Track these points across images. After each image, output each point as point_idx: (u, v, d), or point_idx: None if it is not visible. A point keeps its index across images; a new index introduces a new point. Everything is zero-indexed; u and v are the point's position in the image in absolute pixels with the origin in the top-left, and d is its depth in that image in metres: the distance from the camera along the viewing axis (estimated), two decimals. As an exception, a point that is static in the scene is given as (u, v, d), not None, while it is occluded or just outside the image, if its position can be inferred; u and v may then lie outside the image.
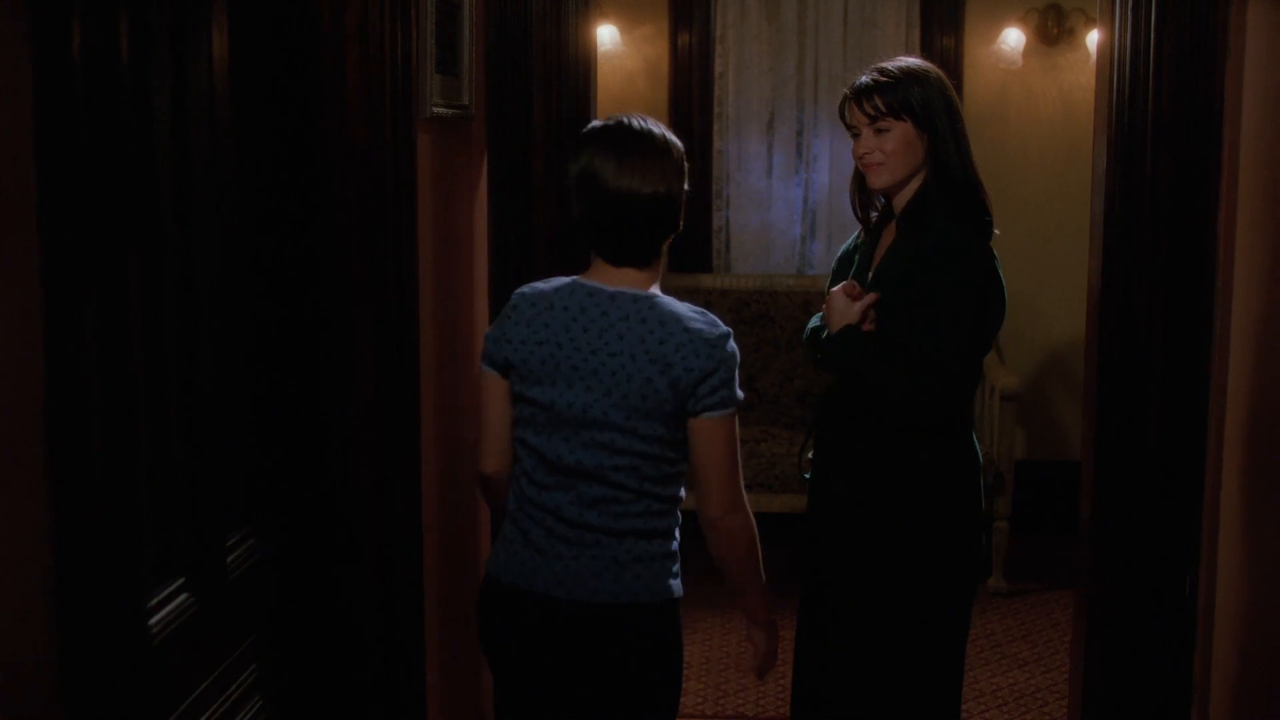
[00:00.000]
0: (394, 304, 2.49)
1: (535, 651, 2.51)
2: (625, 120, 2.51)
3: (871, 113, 2.93)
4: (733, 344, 2.48)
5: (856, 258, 3.11)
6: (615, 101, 6.04)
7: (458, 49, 3.05)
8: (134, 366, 1.68)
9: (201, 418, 2.02)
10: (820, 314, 3.11)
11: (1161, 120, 3.18)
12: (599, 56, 4.84)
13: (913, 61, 3.00)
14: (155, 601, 1.85)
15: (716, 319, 2.49)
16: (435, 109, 2.86)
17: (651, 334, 2.43)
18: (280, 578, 2.35)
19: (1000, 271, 2.94)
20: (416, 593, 2.66)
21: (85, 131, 1.48)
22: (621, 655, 2.48)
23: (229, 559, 2.14)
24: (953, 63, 6.14)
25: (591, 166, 2.45)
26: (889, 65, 2.98)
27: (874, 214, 3.11)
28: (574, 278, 2.54)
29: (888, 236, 3.03)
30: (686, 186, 2.52)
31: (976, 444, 3.03)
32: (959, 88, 6.06)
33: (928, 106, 2.91)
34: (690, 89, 6.32)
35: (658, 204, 2.44)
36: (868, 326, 2.89)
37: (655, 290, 2.51)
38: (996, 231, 2.99)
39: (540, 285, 2.57)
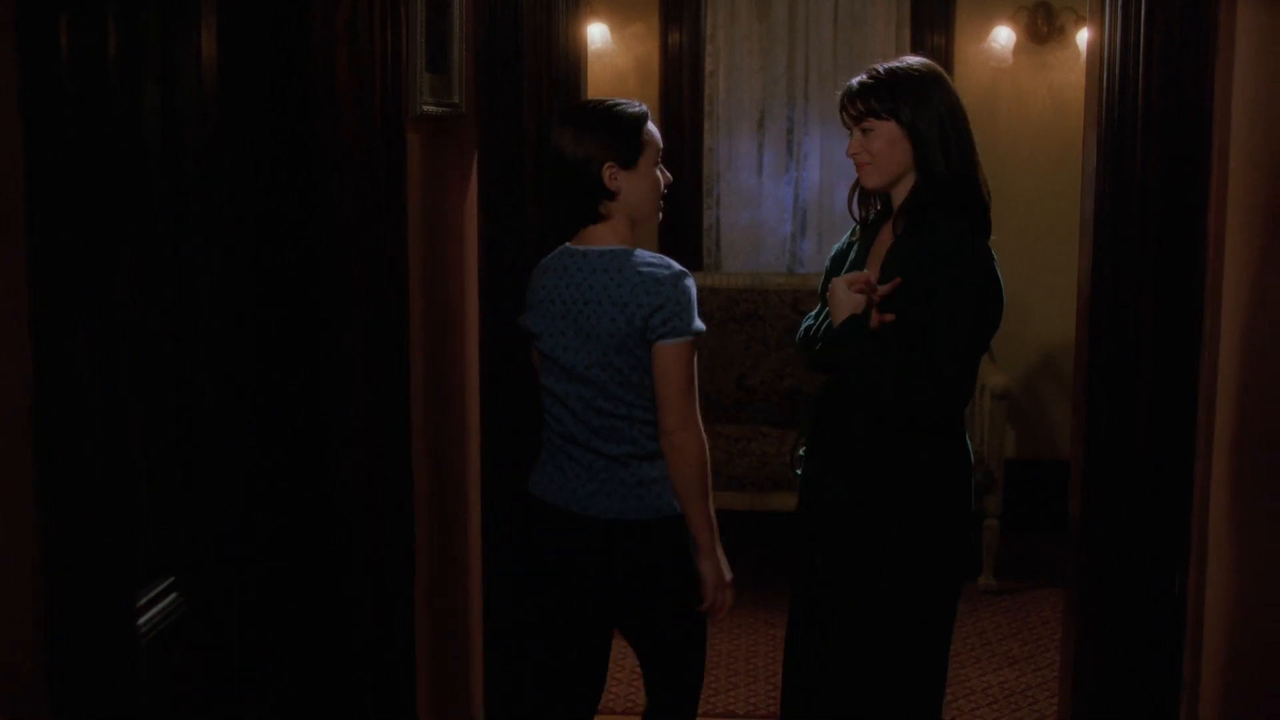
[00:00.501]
0: (385, 304, 2.49)
1: (565, 554, 2.94)
2: (592, 101, 3.01)
3: (855, 114, 2.97)
4: (686, 282, 2.84)
5: (851, 255, 3.11)
6: (606, 100, 6.04)
7: (448, 47, 3.04)
8: (124, 365, 1.67)
9: (193, 417, 2.02)
10: (812, 313, 3.11)
11: (1151, 119, 3.19)
12: (589, 55, 4.84)
13: (911, 61, 3.00)
14: (145, 600, 1.85)
15: (673, 263, 2.87)
16: (425, 107, 2.86)
17: (612, 281, 2.84)
18: (272, 577, 2.35)
19: (999, 271, 2.94)
20: (408, 591, 2.66)
21: (74, 132, 1.47)
22: (634, 565, 2.89)
23: (218, 558, 2.14)
24: (943, 61, 6.14)
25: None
26: (881, 65, 2.99)
27: (873, 212, 3.11)
28: (562, 246, 2.97)
29: (885, 234, 3.03)
30: (629, 156, 2.88)
31: (969, 443, 3.04)
32: (949, 86, 6.08)
33: (913, 107, 2.92)
34: (681, 87, 6.32)
35: (577, 166, 2.85)
36: (888, 317, 2.88)
37: (625, 245, 2.90)
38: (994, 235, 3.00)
39: (547, 257, 3.01)
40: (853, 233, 3.17)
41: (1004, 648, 4.98)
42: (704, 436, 2.88)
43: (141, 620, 1.81)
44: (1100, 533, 3.37)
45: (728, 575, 2.93)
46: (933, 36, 6.22)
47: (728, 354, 5.92)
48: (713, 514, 2.90)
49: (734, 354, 5.93)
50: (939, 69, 3.01)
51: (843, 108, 3.02)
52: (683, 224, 6.23)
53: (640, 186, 2.91)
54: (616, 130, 2.88)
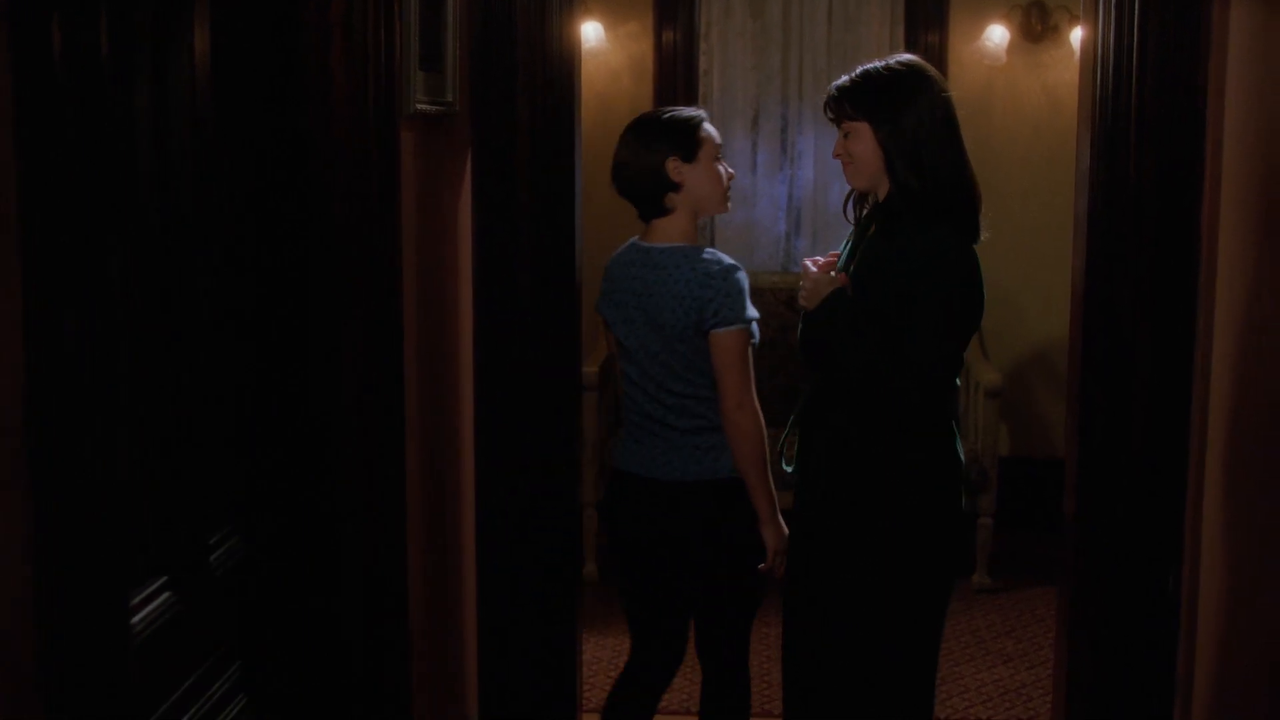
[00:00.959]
0: (380, 303, 2.49)
1: (638, 515, 3.30)
2: (651, 111, 3.40)
3: (831, 116, 3.03)
4: (737, 275, 3.14)
5: (844, 255, 3.14)
6: (599, 98, 6.03)
7: (441, 45, 3.04)
8: (116, 364, 1.67)
9: (186, 414, 2.02)
10: None
11: (1145, 117, 3.19)
12: (583, 53, 4.83)
13: (895, 63, 3.01)
14: (138, 600, 1.84)
15: (725, 257, 3.19)
16: (419, 105, 2.85)
17: (670, 276, 3.18)
18: (264, 576, 2.34)
19: (979, 273, 2.94)
20: (402, 590, 2.66)
21: (67, 130, 1.47)
22: (703, 519, 3.24)
23: (212, 557, 2.13)
24: (937, 60, 6.14)
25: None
26: (864, 67, 3.02)
27: (865, 212, 3.14)
28: (632, 240, 3.36)
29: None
30: (682, 155, 3.22)
31: (959, 442, 3.06)
32: (943, 85, 6.07)
33: (887, 115, 2.94)
34: (675, 86, 6.32)
35: (646, 164, 3.21)
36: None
37: (686, 241, 3.25)
38: (985, 234, 3.01)
39: (620, 249, 3.38)
40: (852, 231, 3.20)
41: (998, 646, 4.99)
42: (760, 414, 3.20)
43: (135, 619, 1.81)
44: (1094, 531, 3.38)
45: (784, 543, 3.24)
46: (927, 35, 6.22)
47: (722, 352, 5.90)
48: (771, 485, 3.23)
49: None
50: (925, 71, 3.00)
51: (825, 108, 3.08)
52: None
53: (702, 178, 3.24)
54: (676, 130, 3.23)
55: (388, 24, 2.47)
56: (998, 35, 6.15)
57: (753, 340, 3.18)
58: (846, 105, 2.99)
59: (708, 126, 3.27)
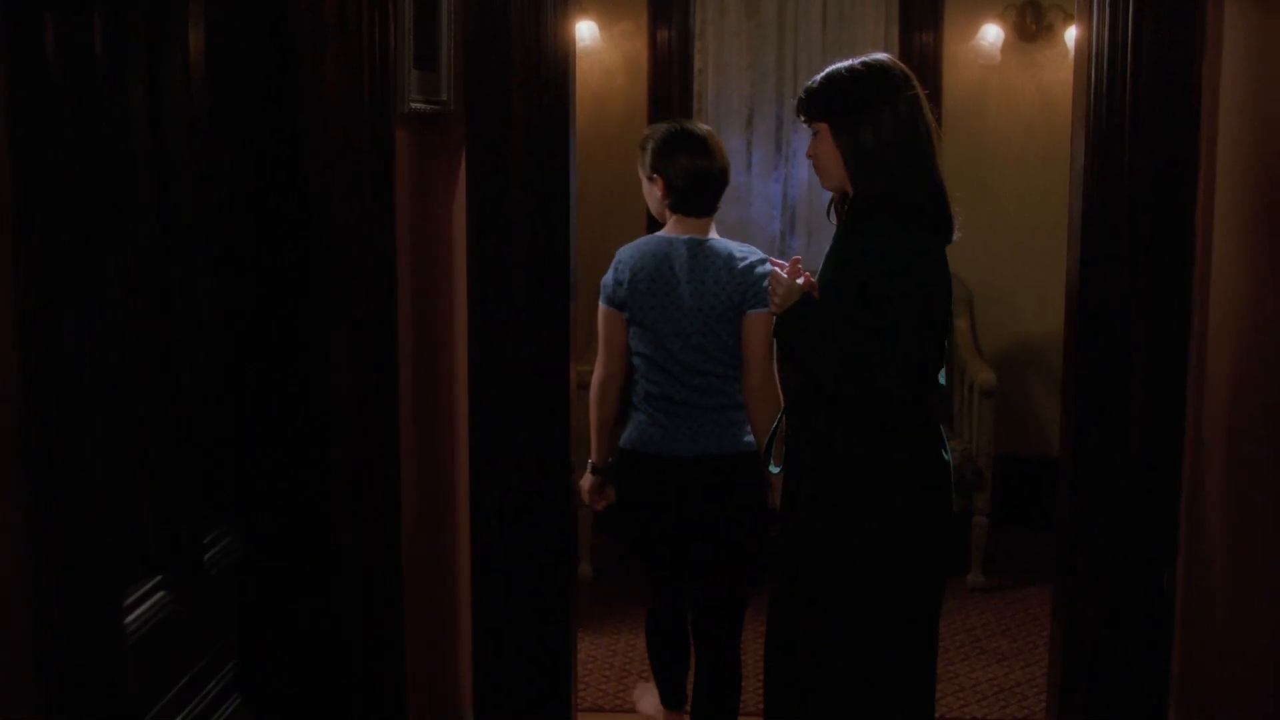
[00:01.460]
0: (374, 302, 2.48)
1: (666, 496, 3.61)
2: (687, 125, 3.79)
3: (803, 117, 3.06)
4: (766, 264, 3.47)
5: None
6: (594, 97, 6.03)
7: (436, 44, 3.04)
8: (111, 363, 1.67)
9: (180, 415, 2.01)
10: None
11: (1139, 116, 3.19)
12: (578, 52, 4.83)
13: (858, 63, 3.01)
14: (132, 599, 1.84)
15: (753, 249, 3.64)
16: (414, 104, 2.85)
17: (713, 264, 3.57)
18: (259, 575, 2.34)
19: (938, 275, 2.93)
20: (396, 588, 2.66)
21: (61, 131, 1.47)
22: (725, 487, 3.59)
23: (207, 556, 2.13)
24: (931, 59, 6.15)
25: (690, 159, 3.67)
26: (830, 68, 3.03)
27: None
28: (660, 233, 3.68)
29: None
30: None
31: (946, 441, 3.06)
32: (938, 84, 6.07)
33: (846, 120, 2.95)
34: (669, 85, 6.31)
35: (723, 172, 3.70)
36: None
37: (712, 234, 3.67)
38: (958, 234, 2.99)
39: (635, 244, 3.68)
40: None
41: (993, 644, 4.99)
42: (779, 386, 3.55)
43: (129, 618, 1.81)
44: (1089, 529, 3.38)
45: None
46: (921, 34, 6.22)
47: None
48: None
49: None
50: (890, 73, 2.98)
51: (796, 109, 3.13)
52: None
53: None
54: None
55: (382, 22, 2.47)
56: (992, 34, 6.15)
57: None
58: (810, 107, 3.01)
59: None
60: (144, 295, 1.88)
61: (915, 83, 2.98)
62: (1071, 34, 5.77)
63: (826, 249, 3.20)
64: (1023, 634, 5.09)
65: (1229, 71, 3.06)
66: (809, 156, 3.09)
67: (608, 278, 3.68)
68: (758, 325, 3.53)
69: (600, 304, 3.68)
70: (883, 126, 2.92)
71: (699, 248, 3.60)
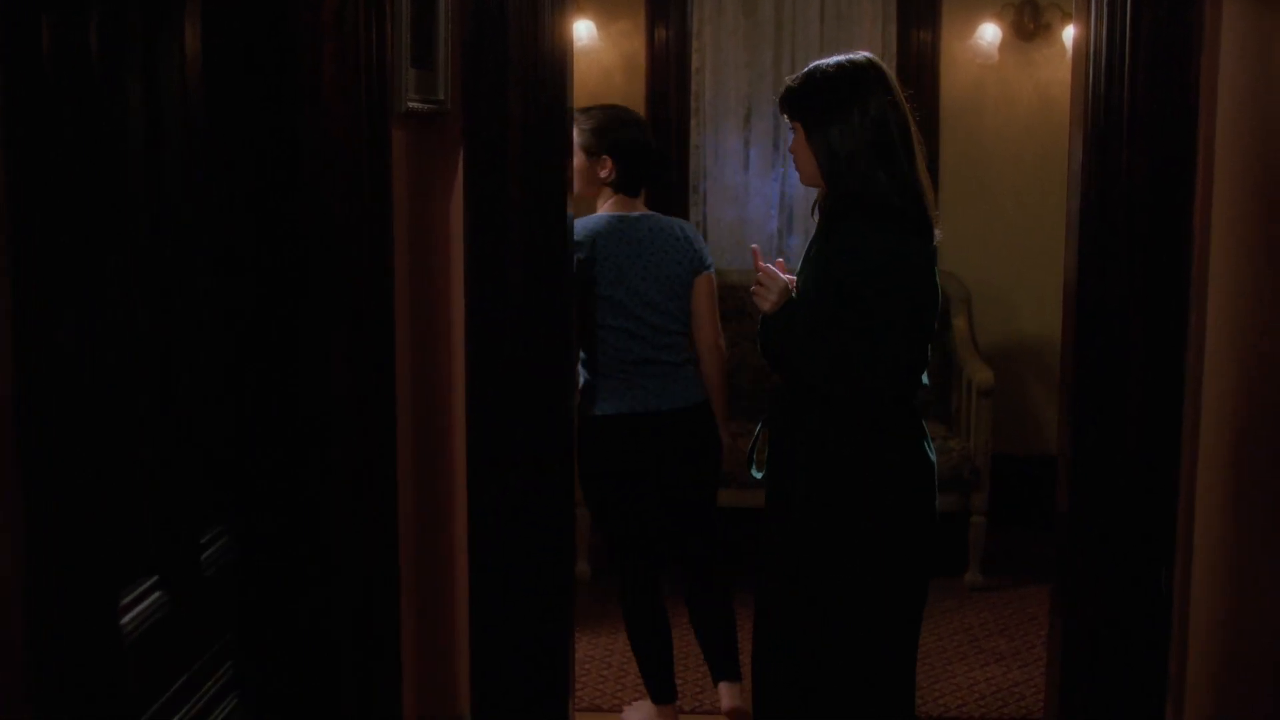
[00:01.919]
0: (371, 302, 2.48)
1: (640, 449, 3.97)
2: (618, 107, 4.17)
3: (785, 113, 3.09)
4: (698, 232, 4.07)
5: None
6: (592, 97, 6.02)
7: (433, 42, 3.03)
8: (106, 362, 1.66)
9: (176, 414, 2.01)
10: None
11: (1137, 115, 3.19)
12: (575, 51, 4.83)
13: (832, 64, 3.01)
14: (128, 600, 1.84)
15: (676, 219, 4.13)
16: (411, 103, 2.85)
17: (671, 235, 3.99)
18: (256, 575, 2.34)
19: (920, 277, 2.92)
20: (392, 589, 2.66)
21: (58, 129, 1.46)
22: (695, 433, 4.04)
23: (203, 556, 2.13)
24: (929, 58, 6.15)
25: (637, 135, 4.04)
26: (810, 66, 3.04)
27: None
28: (612, 213, 3.99)
29: None
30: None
31: (929, 441, 3.07)
32: (935, 83, 6.07)
33: (819, 120, 2.95)
34: (667, 84, 6.32)
35: (661, 151, 4.24)
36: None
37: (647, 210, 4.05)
38: (939, 234, 2.99)
39: (588, 224, 3.96)
40: None
41: (991, 644, 4.99)
42: (725, 346, 4.11)
43: (125, 619, 1.80)
44: (1087, 529, 3.38)
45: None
46: (919, 33, 6.22)
47: (714, 351, 5.91)
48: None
49: (721, 351, 5.92)
50: (867, 74, 2.98)
51: (778, 105, 3.15)
52: (669, 221, 6.23)
53: None
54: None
55: (380, 22, 2.46)
56: (990, 33, 6.15)
57: None
58: (787, 106, 3.02)
59: None
60: (141, 295, 1.88)
61: (893, 83, 2.98)
62: (1069, 33, 5.77)
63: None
64: (1021, 633, 5.09)
65: (1227, 70, 3.06)
66: (790, 152, 3.11)
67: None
68: (708, 285, 4.04)
69: None
70: (856, 128, 2.92)
71: (651, 222, 3.98)
